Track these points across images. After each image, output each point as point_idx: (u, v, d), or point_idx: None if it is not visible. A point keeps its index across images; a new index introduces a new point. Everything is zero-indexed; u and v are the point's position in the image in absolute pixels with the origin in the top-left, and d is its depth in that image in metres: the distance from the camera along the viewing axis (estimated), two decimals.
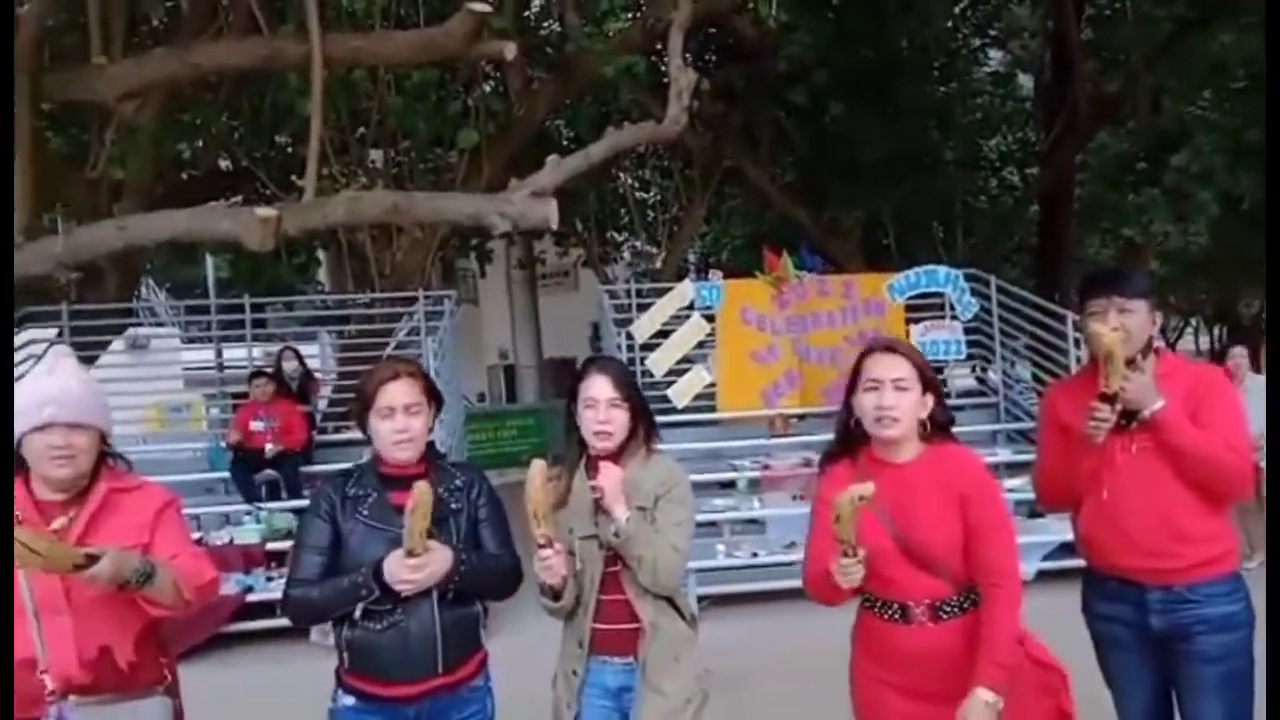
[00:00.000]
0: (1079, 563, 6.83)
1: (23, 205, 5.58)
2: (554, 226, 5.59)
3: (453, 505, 2.25)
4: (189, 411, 12.54)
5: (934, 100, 12.08)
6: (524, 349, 15.99)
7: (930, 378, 2.24)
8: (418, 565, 2.07)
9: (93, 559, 1.93)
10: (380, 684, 2.16)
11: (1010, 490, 7.14)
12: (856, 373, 2.26)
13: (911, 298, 8.21)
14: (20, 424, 2.11)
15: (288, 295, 10.09)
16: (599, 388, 2.34)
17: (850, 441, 2.30)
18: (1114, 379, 2.27)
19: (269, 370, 7.45)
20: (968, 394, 9.46)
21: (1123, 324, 2.36)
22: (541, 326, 16.02)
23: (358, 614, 2.14)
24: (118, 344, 10.74)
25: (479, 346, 16.77)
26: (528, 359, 15.94)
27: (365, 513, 2.20)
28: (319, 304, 12.06)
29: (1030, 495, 7.22)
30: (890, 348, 2.26)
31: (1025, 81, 13.87)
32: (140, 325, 15.40)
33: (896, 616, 2.18)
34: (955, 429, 6.89)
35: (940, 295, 8.22)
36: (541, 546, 2.19)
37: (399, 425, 2.21)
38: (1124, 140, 12.53)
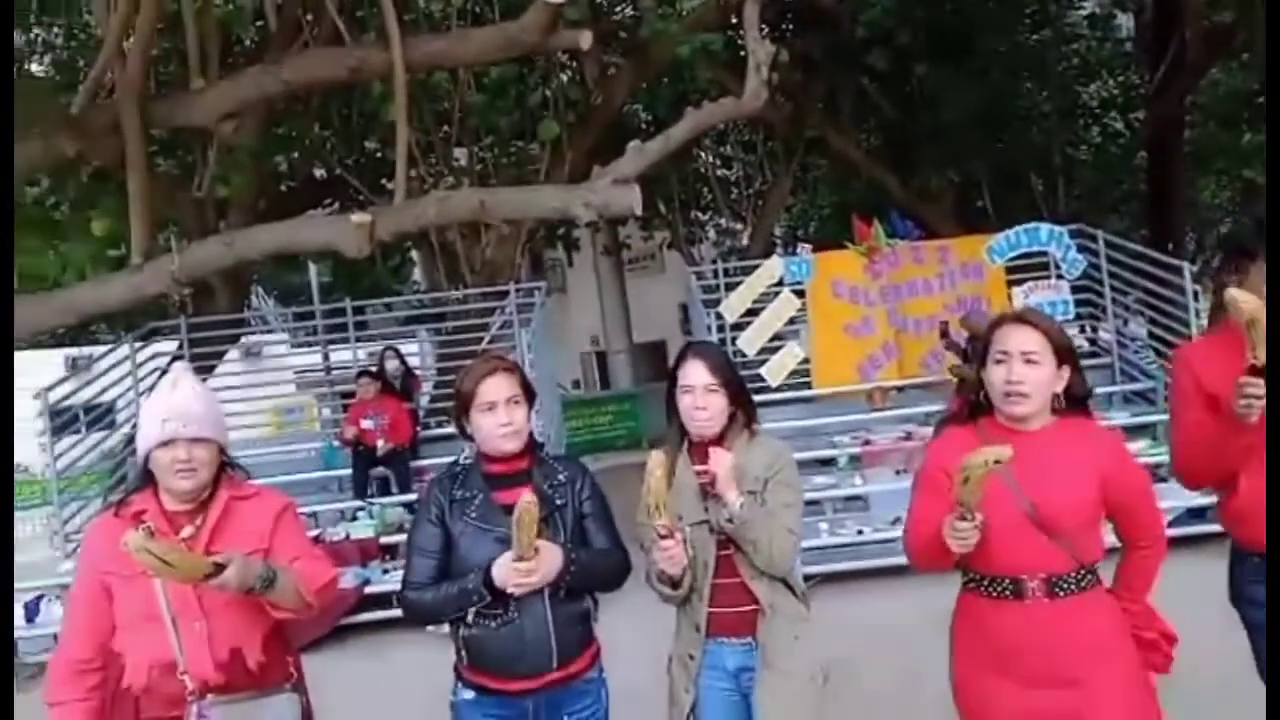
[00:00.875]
0: (1210, 528, 6.47)
1: (140, 229, 5.91)
2: (638, 212, 5.60)
3: (558, 501, 2.28)
4: (303, 413, 13.15)
5: (1025, 50, 11.54)
6: (615, 334, 16.07)
7: (1066, 349, 2.12)
8: (528, 570, 2.10)
9: (220, 567, 2.03)
10: (498, 679, 2.21)
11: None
12: (987, 344, 2.18)
13: (1013, 259, 7.89)
14: (146, 439, 2.23)
15: (386, 296, 10.40)
16: (695, 373, 2.33)
17: (976, 411, 2.21)
18: (1259, 349, 2.02)
19: (373, 370, 7.70)
20: (1080, 355, 9.05)
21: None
22: (631, 311, 16.08)
23: (471, 616, 2.20)
24: (233, 353, 11.32)
25: (570, 334, 16.93)
26: (619, 344, 16.02)
27: (473, 515, 2.25)
28: (415, 304, 12.40)
29: (1154, 458, 6.90)
30: (1020, 318, 2.16)
31: (1124, 22, 13.09)
32: (253, 333, 16.25)
33: (1008, 592, 2.08)
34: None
35: (1044, 254, 7.87)
36: (663, 537, 2.19)
37: (502, 418, 2.25)
38: (1238, 75, 11.70)
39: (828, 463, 7.30)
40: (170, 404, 2.25)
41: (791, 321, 7.93)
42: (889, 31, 9.54)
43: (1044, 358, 2.09)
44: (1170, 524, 6.18)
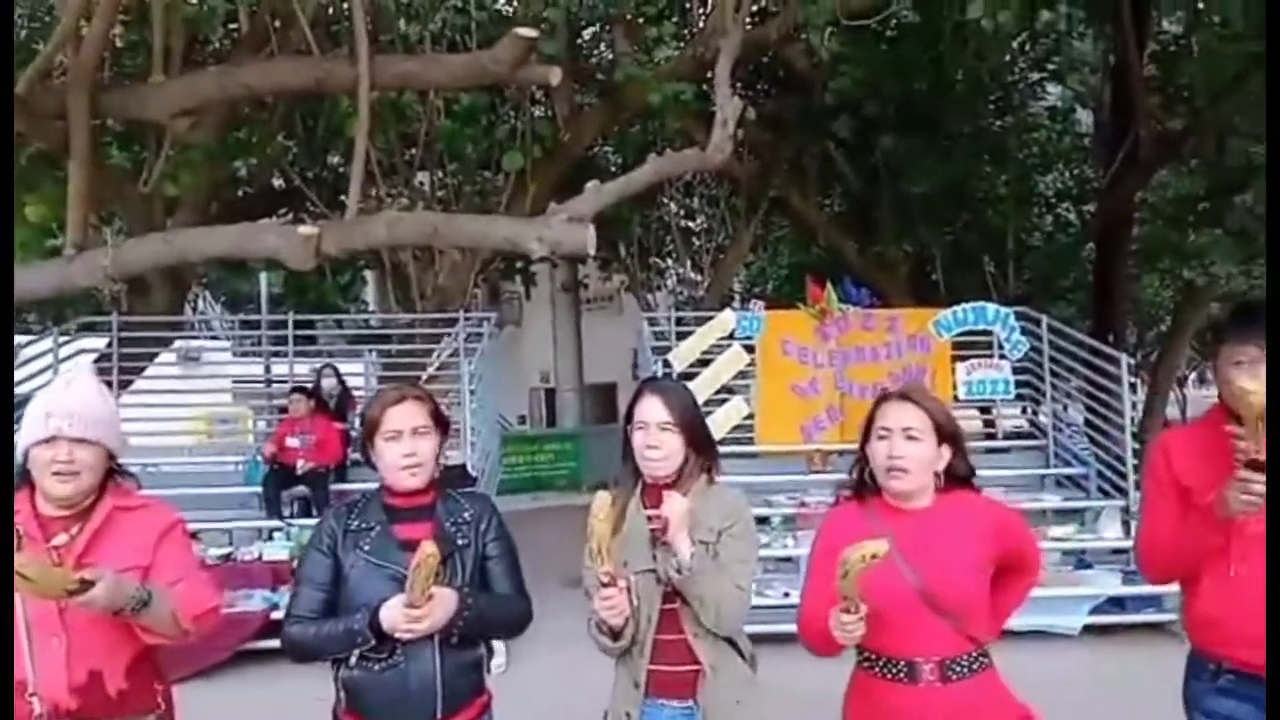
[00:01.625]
0: (1128, 618, 6.51)
1: (75, 220, 5.73)
2: (591, 252, 5.55)
3: (459, 540, 2.17)
4: (236, 424, 12.76)
5: (988, 134, 11.86)
6: (566, 373, 15.98)
7: (948, 428, 2.14)
8: (417, 617, 2.00)
9: (87, 584, 1.88)
10: None
11: (1056, 539, 6.89)
12: (870, 420, 2.19)
13: (959, 335, 8.02)
14: (27, 435, 2.09)
15: (333, 313, 10.21)
16: (650, 409, 2.22)
17: (863, 489, 2.21)
18: (1262, 442, 1.88)
19: (308, 387, 7.50)
20: (1016, 435, 9.18)
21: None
22: (584, 351, 16.02)
23: (353, 658, 2.08)
24: (170, 356, 10.99)
25: (522, 369, 16.81)
26: (569, 382, 15.92)
27: (367, 548, 2.13)
28: (363, 323, 12.21)
29: (1077, 544, 6.98)
30: (904, 395, 2.18)
31: (1084, 117, 13.55)
32: (195, 337, 15.83)
33: (902, 675, 2.05)
34: (1001, 471, 6.64)
35: (989, 333, 8.02)
36: (605, 584, 2.06)
37: (406, 448, 2.15)
38: (1186, 179, 12.13)
39: (762, 521, 7.24)
40: (59, 400, 2.11)
41: (740, 376, 7.94)
42: (857, 101, 9.74)
43: (925, 434, 2.11)
44: (1092, 611, 6.27)
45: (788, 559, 6.77)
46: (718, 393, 7.79)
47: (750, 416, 7.77)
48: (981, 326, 8.00)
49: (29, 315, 11.94)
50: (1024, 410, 9.09)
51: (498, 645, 5.70)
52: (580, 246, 5.27)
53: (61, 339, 7.88)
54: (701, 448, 2.25)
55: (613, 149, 11.43)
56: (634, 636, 2.19)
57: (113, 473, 2.19)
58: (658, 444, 2.20)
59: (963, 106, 11.13)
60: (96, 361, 7.64)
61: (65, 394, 2.14)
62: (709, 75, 8.87)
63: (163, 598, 2.02)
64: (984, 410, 9.74)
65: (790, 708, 4.68)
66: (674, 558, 2.11)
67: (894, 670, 2.06)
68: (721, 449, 7.45)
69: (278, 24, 6.58)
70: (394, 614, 2.01)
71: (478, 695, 2.19)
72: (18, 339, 9.57)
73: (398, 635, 2.03)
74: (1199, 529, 2.05)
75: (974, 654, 2.06)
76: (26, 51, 8.74)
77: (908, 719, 2.04)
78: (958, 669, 2.03)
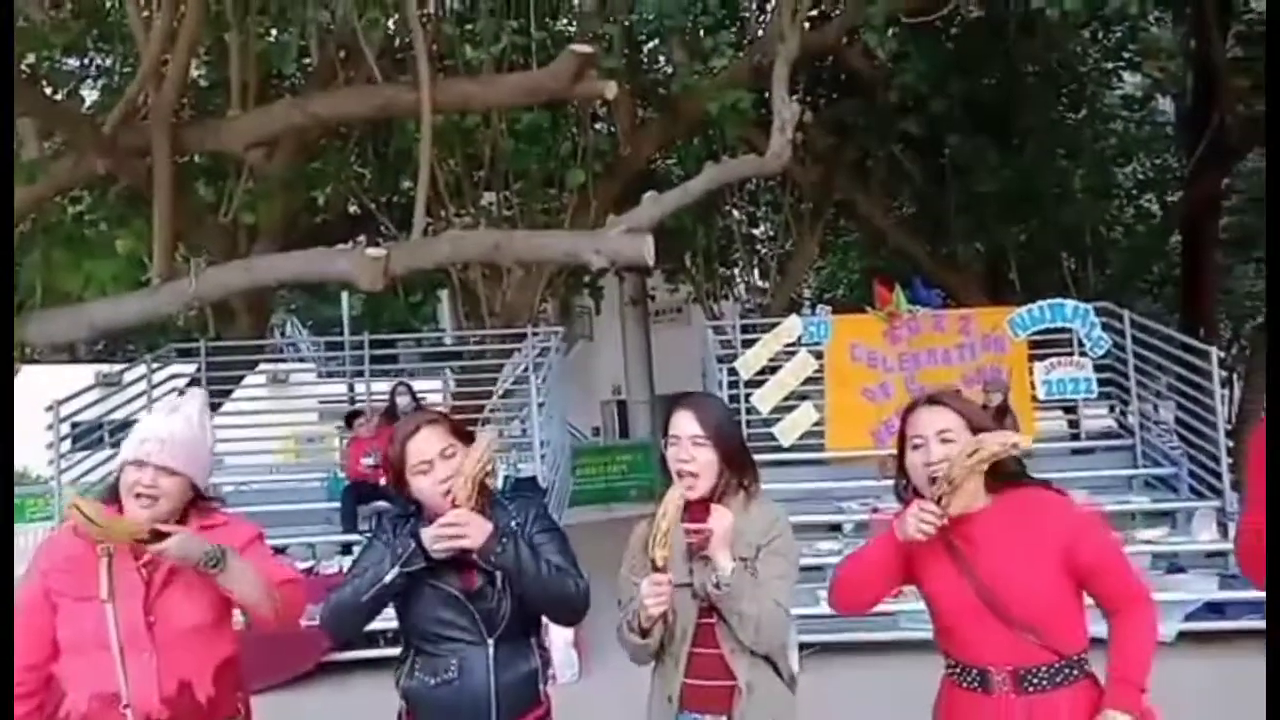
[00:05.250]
0: (1225, 624, 6.17)
1: (161, 251, 6.03)
2: (649, 263, 5.59)
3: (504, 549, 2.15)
4: (323, 442, 13.19)
5: (1061, 127, 11.48)
6: (637, 385, 16.02)
7: (983, 428, 2.02)
8: (455, 523, 2.00)
9: (159, 535, 1.99)
10: None
11: (1147, 542, 6.60)
12: (902, 434, 2.08)
13: (1037, 333, 7.77)
14: (122, 455, 2.19)
15: (407, 333, 10.49)
16: (682, 423, 2.18)
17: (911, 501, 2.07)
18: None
19: (362, 409, 7.63)
20: (1102, 435, 8.84)
21: None
22: (654, 362, 16.04)
23: (409, 668, 2.12)
24: (260, 379, 11.43)
25: (593, 382, 16.93)
26: (640, 394, 15.95)
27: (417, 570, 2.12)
28: (439, 341, 12.49)
29: (1169, 547, 6.67)
30: (932, 399, 2.07)
31: (1164, 105, 13.02)
32: (283, 360, 16.44)
33: (976, 684, 1.96)
34: (1087, 472, 6.29)
35: (1068, 331, 7.75)
36: (658, 569, 2.02)
37: (440, 475, 2.12)
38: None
39: (834, 528, 7.13)
40: (156, 426, 2.21)
41: (809, 382, 7.85)
42: (923, 99, 9.57)
43: (960, 436, 1.99)
44: (1188, 617, 5.97)
45: None
46: (787, 399, 7.71)
47: (820, 422, 7.66)
48: (1060, 324, 7.74)
49: (134, 346, 12.58)
50: (1111, 409, 8.75)
51: (570, 655, 5.79)
52: (639, 257, 5.31)
53: (154, 365, 8.26)
54: (736, 462, 2.20)
55: (674, 161, 11.47)
56: (668, 649, 2.16)
57: (198, 498, 2.26)
58: (690, 458, 2.15)
59: (1033, 100, 10.83)
60: (187, 386, 7.99)
61: (164, 420, 2.23)
62: (768, 82, 8.87)
63: (240, 560, 2.10)
64: (1068, 410, 9.41)
65: (851, 715, 4.60)
66: (714, 573, 2.06)
67: (969, 679, 1.98)
68: (790, 455, 7.41)
69: (345, 55, 6.82)
70: (431, 529, 2.03)
71: (535, 706, 2.19)
72: (116, 367, 10.12)
73: (434, 552, 2.03)
74: None
75: (1056, 665, 1.90)
76: (117, 97, 9.30)
77: None
78: (1035, 680, 1.90)
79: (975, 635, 1.95)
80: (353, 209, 10.76)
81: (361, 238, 10.61)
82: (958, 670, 2.01)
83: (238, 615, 2.23)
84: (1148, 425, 8.00)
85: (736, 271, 13.42)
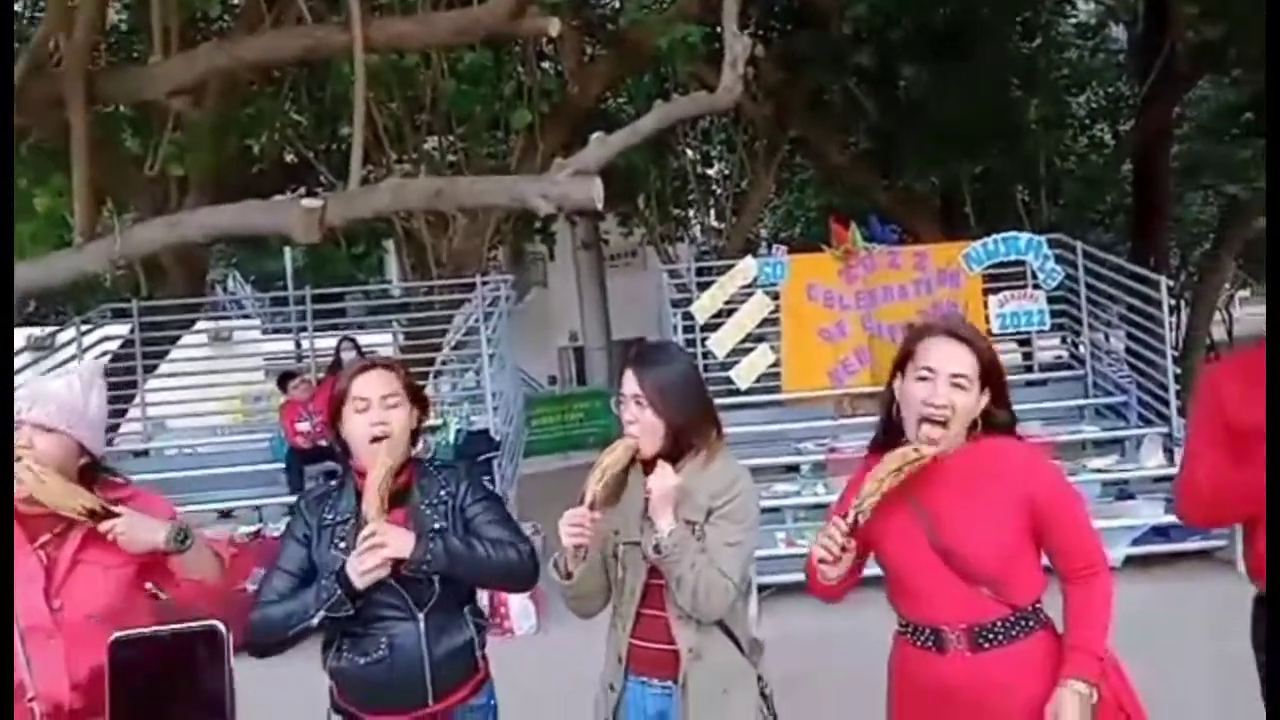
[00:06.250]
0: (1172, 547, 6.31)
1: (83, 208, 5.69)
2: (599, 206, 5.38)
3: (436, 524, 2.05)
4: (270, 401, 12.91)
5: (1016, 57, 11.37)
6: (593, 331, 15.88)
7: (994, 373, 1.88)
8: (374, 543, 1.89)
9: (107, 514, 1.88)
10: (369, 712, 2.03)
11: (1097, 470, 6.69)
12: (907, 355, 1.92)
13: (991, 267, 7.75)
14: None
15: (353, 286, 10.20)
16: (628, 382, 2.05)
17: (895, 432, 1.95)
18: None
19: (294, 370, 7.41)
20: (1055, 366, 8.92)
21: None
22: (610, 308, 15.89)
23: (338, 648, 2.01)
24: (200, 337, 11.07)
25: (549, 329, 16.76)
26: (597, 341, 15.82)
27: (343, 545, 2.01)
28: (378, 294, 12.21)
29: (1119, 475, 6.78)
30: (952, 332, 1.89)
31: (1116, 33, 12.95)
32: (227, 317, 15.98)
33: (930, 643, 1.88)
34: (1039, 404, 6.20)
35: (1021, 264, 7.74)
36: (583, 503, 1.94)
37: (374, 417, 2.02)
38: (1227, 90, 11.58)
39: (792, 469, 7.13)
40: (34, 386, 2.07)
41: (765, 324, 7.77)
42: (877, 30, 9.37)
43: (972, 383, 1.86)
44: (1135, 541, 6.09)
45: (819, 506, 6.65)
46: (744, 341, 7.65)
47: (776, 364, 7.62)
48: (1014, 257, 7.71)
49: (63, 308, 12.13)
50: (1063, 340, 8.83)
51: (527, 607, 5.74)
52: (588, 200, 5.09)
53: (86, 327, 7.94)
54: (689, 423, 2.05)
55: (624, 100, 11.17)
56: (619, 608, 2.08)
57: (96, 468, 2.10)
58: (633, 419, 2.04)
59: (988, 29, 10.68)
60: (121, 347, 7.69)
61: (42, 381, 2.11)
62: (718, 16, 8.60)
63: (201, 540, 1.99)
64: (1022, 343, 9.49)
65: (823, 659, 4.62)
66: (655, 534, 1.97)
67: (922, 638, 1.89)
68: (747, 398, 7.36)
69: None
70: (353, 562, 1.91)
71: (472, 675, 2.10)
72: (44, 330, 9.74)
73: (359, 581, 1.91)
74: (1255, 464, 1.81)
75: (1012, 619, 1.83)
76: (25, 41, 8.75)
77: (940, 688, 1.86)
78: (991, 637, 1.83)
79: (930, 593, 1.87)
80: (290, 158, 10.34)
81: (300, 189, 10.24)
82: (910, 629, 1.93)
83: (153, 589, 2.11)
84: (1098, 355, 8.09)
85: (691, 213, 13.23)
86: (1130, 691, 1.89)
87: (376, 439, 2.01)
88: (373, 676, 1.99)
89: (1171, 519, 6.15)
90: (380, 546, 1.90)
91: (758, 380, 7.55)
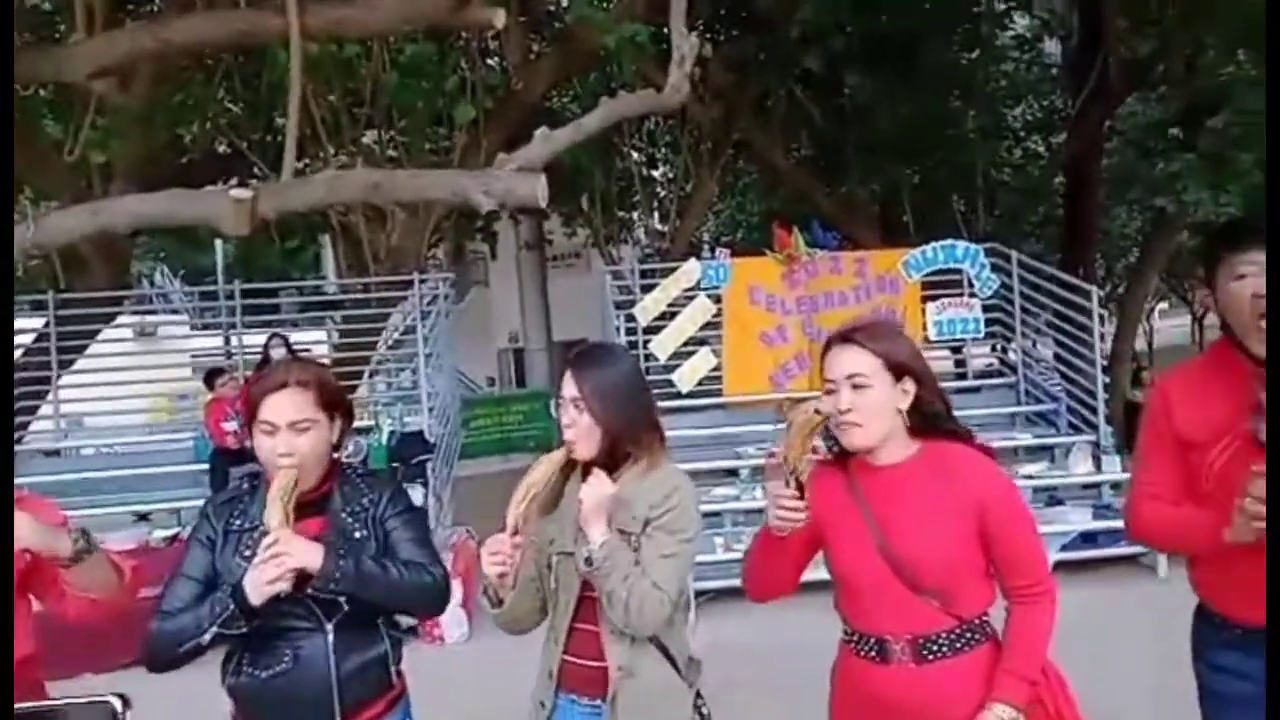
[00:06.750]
0: (1101, 552, 6.45)
1: None
2: (543, 203, 5.28)
3: (356, 535, 1.95)
4: (196, 400, 12.49)
5: (956, 67, 11.58)
6: (534, 332, 15.69)
7: (904, 363, 1.85)
8: (275, 552, 1.76)
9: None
10: None
11: (1028, 476, 6.83)
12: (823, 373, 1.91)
13: (929, 274, 7.87)
14: None
15: (285, 281, 9.90)
16: (566, 385, 1.97)
17: (842, 449, 1.93)
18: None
19: (223, 367, 7.19)
20: (986, 374, 9.10)
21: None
22: (552, 309, 15.73)
23: (238, 664, 1.89)
24: (125, 332, 10.64)
25: (490, 330, 16.54)
26: (538, 342, 15.63)
27: (249, 553, 1.88)
28: (312, 290, 11.90)
29: (1049, 481, 6.92)
30: (845, 338, 1.87)
31: (1052, 47, 13.28)
32: (152, 312, 15.42)
33: (874, 654, 1.85)
34: (972, 411, 6.21)
35: (959, 271, 7.88)
36: (503, 531, 1.86)
37: (280, 446, 1.89)
38: (1155, 105, 11.95)
39: (732, 473, 7.13)
40: None
41: (707, 327, 7.77)
42: (823, 36, 9.45)
43: (874, 377, 1.83)
44: (1063, 548, 6.22)
45: (758, 511, 6.65)
46: (686, 345, 7.63)
47: (718, 368, 7.62)
48: (951, 265, 7.87)
49: None
50: (994, 348, 9.01)
51: (458, 615, 5.61)
52: (531, 197, 4.99)
53: None
54: (628, 430, 1.97)
55: (570, 99, 11.07)
56: (553, 621, 2.01)
57: None
58: (570, 422, 1.96)
59: (930, 40, 10.85)
60: (35, 341, 7.31)
61: None
62: (665, 16, 8.56)
63: (100, 549, 1.86)
64: (955, 350, 9.66)
65: (761, 664, 4.60)
66: (586, 546, 1.89)
67: (866, 647, 1.86)
68: (689, 401, 7.33)
69: None
70: (252, 570, 1.79)
71: (385, 691, 1.99)
72: None
73: (257, 596, 1.79)
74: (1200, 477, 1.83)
75: (957, 631, 1.81)
76: None
77: (882, 700, 1.84)
78: (935, 649, 1.80)
79: (876, 603, 1.84)
80: (222, 148, 10.00)
81: (233, 180, 9.91)
82: (855, 639, 1.90)
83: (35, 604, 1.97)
84: (1029, 363, 8.27)
85: (635, 215, 13.17)
86: (1070, 702, 1.88)
87: (283, 469, 1.89)
88: (274, 691, 1.87)
89: (1099, 525, 6.31)
90: (283, 556, 1.78)
91: (700, 383, 7.54)
